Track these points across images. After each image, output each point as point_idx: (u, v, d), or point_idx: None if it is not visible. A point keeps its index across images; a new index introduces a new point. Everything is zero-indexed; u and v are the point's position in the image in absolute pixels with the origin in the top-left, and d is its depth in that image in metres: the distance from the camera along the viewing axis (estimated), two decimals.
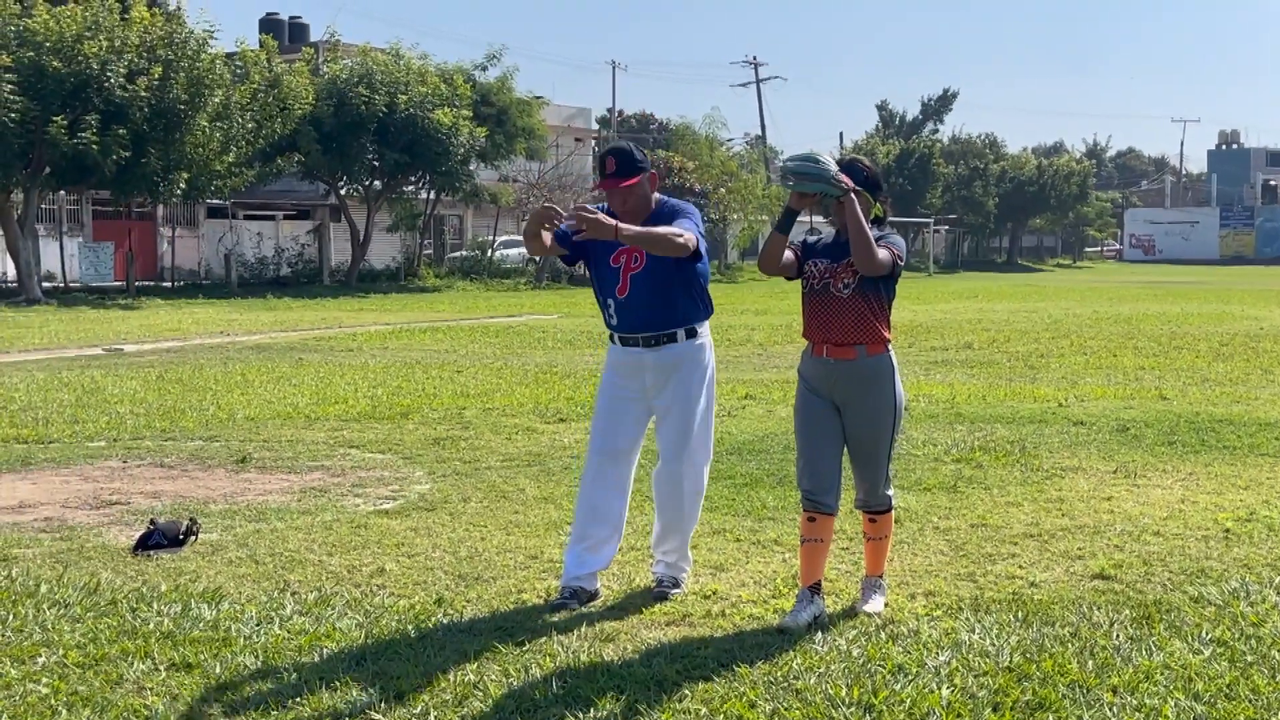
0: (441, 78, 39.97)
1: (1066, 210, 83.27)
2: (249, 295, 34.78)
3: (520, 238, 52.65)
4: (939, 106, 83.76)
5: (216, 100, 31.79)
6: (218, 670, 4.55)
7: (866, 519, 5.35)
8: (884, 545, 5.38)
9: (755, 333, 21.31)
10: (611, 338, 5.61)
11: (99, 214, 41.30)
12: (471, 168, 41.34)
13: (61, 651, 4.74)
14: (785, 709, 4.18)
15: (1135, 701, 4.22)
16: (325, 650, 4.76)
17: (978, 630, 4.94)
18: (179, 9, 33.07)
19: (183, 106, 30.87)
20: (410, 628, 5.03)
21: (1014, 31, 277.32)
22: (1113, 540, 6.44)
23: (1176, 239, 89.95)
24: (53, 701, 4.26)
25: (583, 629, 5.00)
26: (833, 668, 4.53)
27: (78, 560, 6.15)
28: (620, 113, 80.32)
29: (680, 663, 4.60)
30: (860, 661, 4.60)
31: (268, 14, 56.07)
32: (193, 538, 6.43)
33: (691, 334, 5.51)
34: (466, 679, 4.45)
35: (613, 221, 5.17)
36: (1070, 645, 4.76)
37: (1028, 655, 4.65)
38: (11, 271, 33.92)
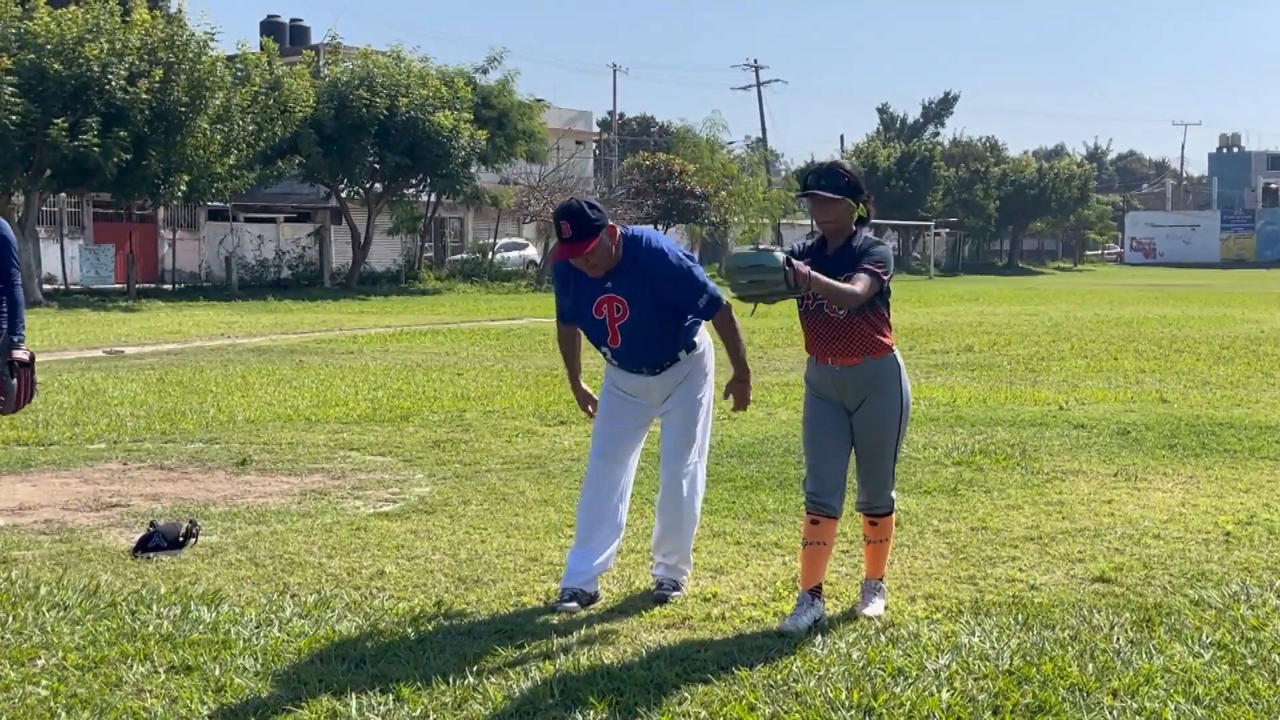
0: (442, 80, 39.99)
1: (1067, 213, 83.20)
2: (250, 298, 34.77)
3: (521, 239, 52.53)
4: (940, 109, 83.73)
5: (217, 103, 31.81)
6: (217, 673, 4.54)
7: (867, 522, 5.35)
8: (884, 548, 5.38)
9: (755, 335, 21.30)
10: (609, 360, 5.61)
11: (100, 216, 41.33)
12: (472, 170, 41.37)
13: (61, 654, 4.73)
14: (785, 712, 4.17)
15: (1136, 705, 4.22)
16: (325, 653, 4.76)
17: (978, 633, 4.94)
18: (180, 11, 33.04)
19: (183, 109, 30.89)
20: (410, 630, 5.02)
21: (1015, 34, 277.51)
22: (1113, 543, 6.43)
23: (1177, 242, 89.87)
24: (52, 704, 4.25)
25: (582, 632, 5.00)
26: (833, 671, 4.53)
27: (77, 562, 6.14)
28: (621, 115, 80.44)
29: (680, 666, 4.60)
30: (860, 665, 4.59)
31: (269, 16, 56.24)
32: (192, 540, 6.43)
33: (691, 348, 5.53)
34: (466, 682, 4.45)
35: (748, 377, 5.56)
36: (1070, 648, 4.75)
37: (1028, 658, 4.64)
38: None
